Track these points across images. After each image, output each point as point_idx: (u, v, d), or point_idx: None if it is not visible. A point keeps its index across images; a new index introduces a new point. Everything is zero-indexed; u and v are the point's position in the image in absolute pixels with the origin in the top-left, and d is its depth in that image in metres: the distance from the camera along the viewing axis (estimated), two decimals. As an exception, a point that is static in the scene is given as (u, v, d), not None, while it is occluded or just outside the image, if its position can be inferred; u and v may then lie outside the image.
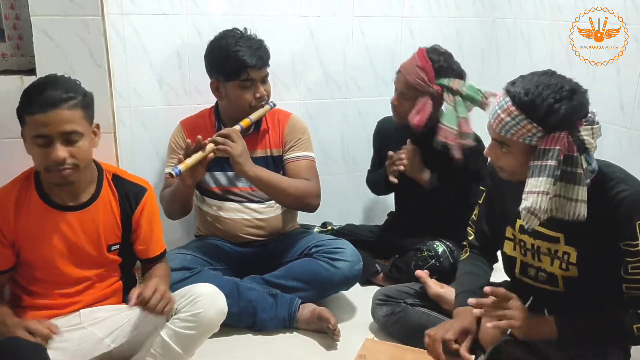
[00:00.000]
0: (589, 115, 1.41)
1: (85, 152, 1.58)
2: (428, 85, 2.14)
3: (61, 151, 1.53)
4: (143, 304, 1.54)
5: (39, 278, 1.65)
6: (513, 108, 1.41)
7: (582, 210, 1.41)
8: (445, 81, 2.14)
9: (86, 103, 1.58)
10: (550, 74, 1.43)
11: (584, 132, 1.40)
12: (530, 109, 1.39)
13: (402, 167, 2.22)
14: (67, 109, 1.52)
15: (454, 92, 2.13)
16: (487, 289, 1.56)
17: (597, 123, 1.41)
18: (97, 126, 1.65)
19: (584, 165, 1.41)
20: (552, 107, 1.37)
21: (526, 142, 1.42)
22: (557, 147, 1.38)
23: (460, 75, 2.18)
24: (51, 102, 1.50)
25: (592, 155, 1.44)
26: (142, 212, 1.73)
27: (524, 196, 1.43)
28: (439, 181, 2.23)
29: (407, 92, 2.18)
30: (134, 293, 1.55)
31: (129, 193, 1.72)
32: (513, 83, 1.44)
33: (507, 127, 1.43)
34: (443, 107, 2.16)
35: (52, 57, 1.77)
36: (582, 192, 1.40)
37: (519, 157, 1.46)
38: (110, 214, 1.69)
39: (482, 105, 2.12)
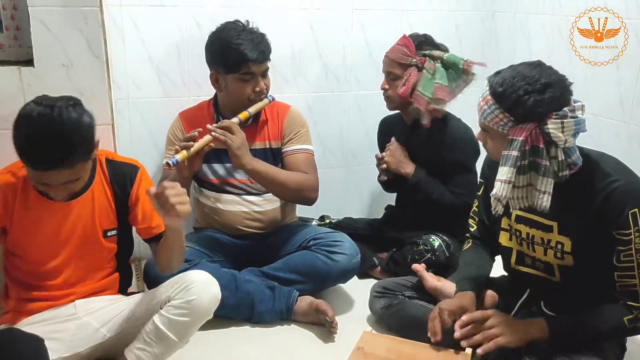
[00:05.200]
0: (565, 109, 1.42)
1: (82, 181, 1.56)
2: (411, 56, 2.21)
3: (59, 192, 1.53)
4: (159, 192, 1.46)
5: (34, 271, 1.64)
6: (489, 97, 1.47)
7: (545, 202, 1.45)
8: (426, 51, 2.21)
9: (87, 148, 1.48)
10: (535, 65, 1.46)
11: (552, 126, 1.41)
12: (502, 98, 1.44)
13: (384, 166, 2.30)
14: (67, 167, 1.45)
15: (435, 59, 2.20)
16: (464, 317, 1.59)
17: (572, 117, 1.41)
18: (97, 141, 1.57)
19: (560, 157, 1.43)
20: (520, 98, 1.41)
21: (499, 130, 1.47)
22: (521, 139, 1.43)
23: (444, 48, 2.26)
24: (49, 164, 1.43)
25: (571, 148, 1.45)
26: (139, 189, 1.71)
27: (495, 183, 1.49)
28: (423, 174, 2.27)
29: (393, 70, 2.26)
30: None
31: (123, 174, 1.71)
32: (497, 73, 1.49)
33: (485, 114, 1.49)
34: (422, 76, 2.21)
35: (49, 48, 1.77)
36: (546, 184, 1.44)
37: (498, 144, 1.51)
38: (103, 197, 1.68)
39: (466, 71, 2.18)
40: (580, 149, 1.50)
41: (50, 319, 1.64)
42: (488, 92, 1.47)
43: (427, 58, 2.20)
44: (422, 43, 2.23)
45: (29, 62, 1.79)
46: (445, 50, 2.25)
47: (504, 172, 1.46)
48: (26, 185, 1.59)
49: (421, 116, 2.21)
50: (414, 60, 2.21)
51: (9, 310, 1.67)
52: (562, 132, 1.41)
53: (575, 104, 1.43)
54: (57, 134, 1.42)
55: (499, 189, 1.47)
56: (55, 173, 1.45)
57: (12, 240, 1.62)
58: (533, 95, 1.40)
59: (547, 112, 1.41)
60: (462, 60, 2.18)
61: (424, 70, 2.19)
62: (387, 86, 2.29)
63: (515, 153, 1.43)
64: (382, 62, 2.31)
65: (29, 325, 1.59)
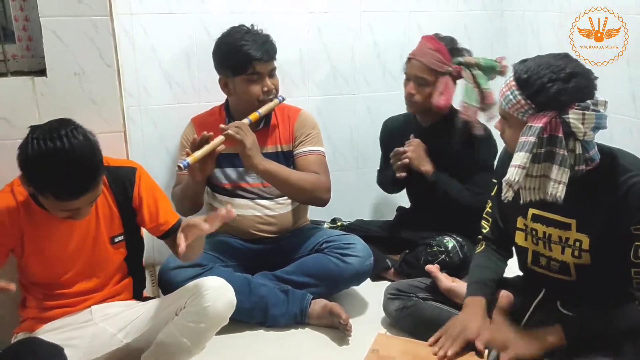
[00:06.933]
0: (587, 101, 1.40)
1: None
2: (447, 64, 2.17)
3: (86, 212, 1.54)
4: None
5: (49, 282, 1.66)
6: (513, 83, 1.47)
7: (559, 191, 1.43)
8: (460, 59, 2.18)
9: (102, 163, 1.51)
10: (562, 56, 1.46)
11: (573, 116, 1.40)
12: (526, 85, 1.44)
13: (407, 161, 2.25)
14: (93, 189, 1.48)
15: (471, 67, 2.16)
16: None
17: (594, 111, 1.40)
18: None
19: (578, 150, 1.42)
20: (544, 85, 1.41)
21: (519, 117, 1.47)
22: (540, 125, 1.41)
23: (467, 54, 2.23)
24: (79, 193, 1.45)
25: (590, 142, 1.44)
26: (140, 190, 1.72)
27: (509, 169, 1.48)
28: (443, 173, 2.25)
29: (424, 76, 2.20)
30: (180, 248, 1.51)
31: (122, 178, 1.71)
32: (523, 61, 1.49)
33: (506, 100, 1.49)
34: (464, 86, 2.18)
35: (61, 57, 1.78)
36: (561, 173, 1.42)
37: (516, 132, 1.49)
38: (106, 205, 1.69)
39: (502, 72, 2.16)
40: (599, 146, 1.48)
41: (67, 325, 1.65)
42: (512, 78, 1.47)
43: (462, 67, 2.17)
44: (453, 49, 2.20)
45: (42, 72, 1.81)
46: (470, 54, 2.23)
47: (519, 158, 1.44)
48: (29, 203, 1.59)
49: (472, 128, 2.15)
50: (450, 68, 2.17)
51: (27, 318, 1.68)
52: (583, 123, 1.40)
53: (599, 100, 1.42)
54: (79, 165, 1.43)
55: (512, 173, 1.45)
56: (83, 198, 1.47)
57: (25, 258, 1.63)
58: (557, 84, 1.40)
59: (570, 101, 1.40)
60: (497, 63, 2.15)
61: (464, 81, 2.16)
62: (414, 91, 2.22)
63: (532, 139, 1.42)
64: (407, 64, 2.27)
65: (46, 332, 1.61)
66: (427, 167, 2.25)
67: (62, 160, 1.42)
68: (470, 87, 2.15)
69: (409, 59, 2.26)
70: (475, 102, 2.14)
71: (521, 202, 1.51)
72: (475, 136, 2.18)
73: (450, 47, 2.19)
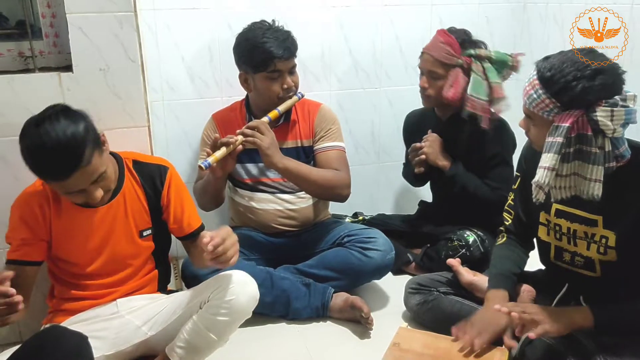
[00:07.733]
0: (615, 98, 1.37)
1: (111, 174, 1.59)
2: (456, 57, 2.15)
3: (97, 193, 1.54)
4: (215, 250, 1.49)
5: (76, 272, 1.69)
6: (537, 82, 1.44)
7: (596, 190, 1.41)
8: (471, 51, 2.16)
9: (93, 139, 1.49)
10: (586, 51, 1.43)
11: (600, 114, 1.37)
12: (550, 83, 1.41)
13: (423, 156, 2.25)
14: (85, 166, 1.46)
15: (482, 59, 2.15)
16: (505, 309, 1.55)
17: (623, 107, 1.37)
18: (102, 135, 1.58)
19: (607, 148, 1.39)
20: (569, 84, 1.38)
21: (544, 116, 1.44)
22: (567, 125, 1.39)
23: (483, 46, 2.21)
24: (67, 172, 1.45)
25: (619, 139, 1.41)
26: (169, 190, 1.75)
27: (537, 170, 1.45)
28: (460, 168, 2.24)
29: (435, 70, 2.20)
30: (205, 240, 1.48)
31: (152, 175, 1.74)
32: (546, 58, 1.46)
33: (530, 100, 1.46)
34: (471, 78, 2.16)
35: (87, 53, 1.81)
36: (596, 172, 1.40)
37: (541, 131, 1.47)
38: (136, 200, 1.72)
39: (515, 67, 2.15)
40: (629, 141, 1.46)
41: (93, 317, 1.68)
42: (535, 77, 1.44)
43: (473, 59, 2.15)
44: (465, 42, 2.18)
45: (68, 68, 1.84)
46: (485, 47, 2.21)
47: (548, 159, 1.42)
48: (57, 194, 1.62)
49: (479, 120, 2.14)
50: (460, 61, 2.15)
51: (55, 310, 1.72)
52: (611, 120, 1.37)
53: (627, 94, 1.39)
54: (60, 143, 1.43)
55: (542, 175, 1.43)
56: (76, 177, 1.47)
57: (54, 248, 1.67)
58: (582, 82, 1.37)
59: (596, 99, 1.38)
60: (510, 57, 2.14)
61: (472, 73, 2.14)
62: (427, 85, 2.24)
63: (560, 139, 1.40)
64: (420, 58, 2.27)
65: (73, 324, 1.64)
66: (443, 162, 2.25)
67: (39, 143, 1.44)
68: (478, 79, 2.13)
69: (422, 53, 2.26)
70: (483, 96, 2.12)
71: (552, 200, 1.50)
72: (488, 130, 2.16)
73: (461, 39, 2.18)
